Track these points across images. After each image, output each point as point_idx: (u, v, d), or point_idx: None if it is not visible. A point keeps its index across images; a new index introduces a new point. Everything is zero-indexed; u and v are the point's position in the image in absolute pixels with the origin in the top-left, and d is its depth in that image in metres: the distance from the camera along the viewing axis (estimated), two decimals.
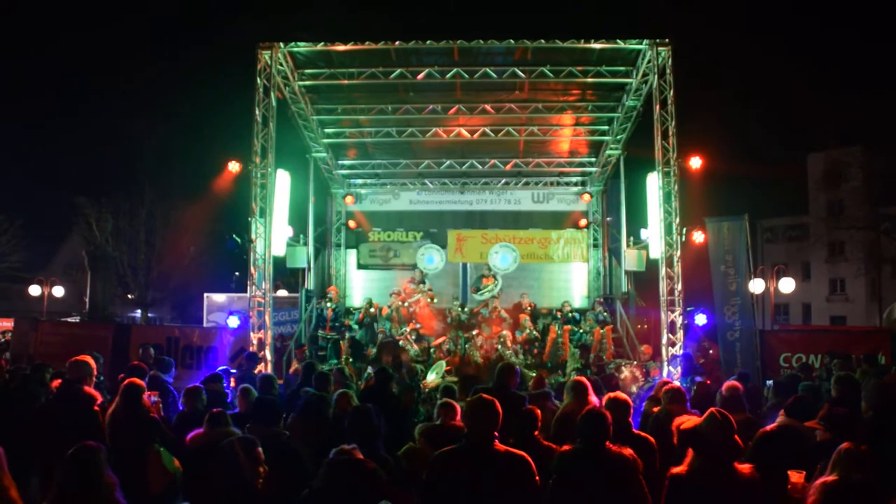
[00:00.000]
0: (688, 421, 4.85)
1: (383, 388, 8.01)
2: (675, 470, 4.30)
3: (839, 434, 4.55)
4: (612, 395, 5.91)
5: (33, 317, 19.54)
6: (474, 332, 15.93)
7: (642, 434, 5.42)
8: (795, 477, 4.54)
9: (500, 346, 15.26)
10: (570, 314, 17.12)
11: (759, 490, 4.26)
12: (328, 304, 16.86)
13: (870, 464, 4.00)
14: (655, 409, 6.51)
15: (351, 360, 15.14)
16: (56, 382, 7.72)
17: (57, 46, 52.45)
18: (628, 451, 4.44)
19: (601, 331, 16.14)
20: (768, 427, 5.42)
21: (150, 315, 40.45)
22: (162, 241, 38.46)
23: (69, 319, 28.33)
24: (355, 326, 16.68)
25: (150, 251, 38.37)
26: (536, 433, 5.49)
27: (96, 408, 6.45)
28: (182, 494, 5.57)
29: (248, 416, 6.33)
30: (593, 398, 6.40)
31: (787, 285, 24.39)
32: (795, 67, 58.65)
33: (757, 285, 20.57)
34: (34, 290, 27.86)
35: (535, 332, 16.22)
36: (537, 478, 4.30)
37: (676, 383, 7.37)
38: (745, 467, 4.25)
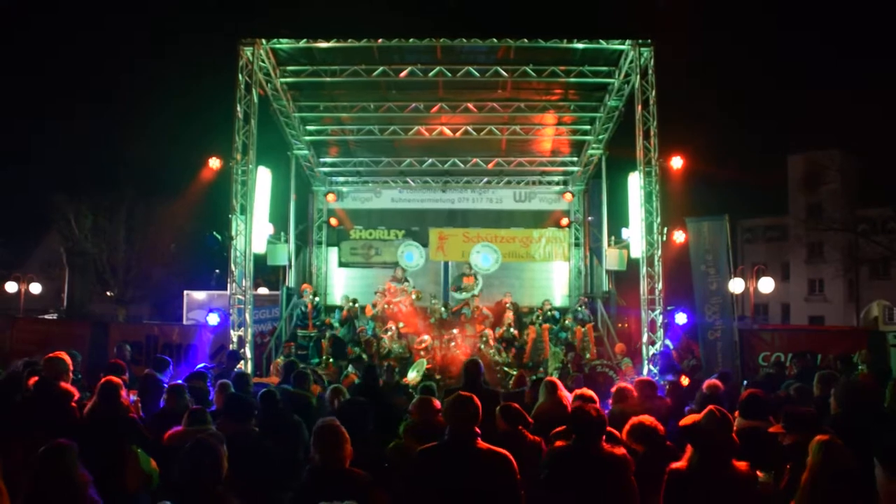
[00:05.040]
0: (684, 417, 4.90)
1: (371, 385, 8.03)
2: (675, 465, 4.35)
3: (804, 434, 4.56)
4: (579, 391, 5.96)
5: (9, 314, 19.34)
6: (454, 331, 15.84)
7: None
8: (763, 476, 4.57)
9: (482, 346, 15.14)
10: (549, 312, 17.13)
11: (756, 487, 4.32)
12: (307, 301, 16.70)
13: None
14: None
15: (332, 359, 15.05)
16: (33, 379, 7.60)
17: (36, 43, 51.89)
18: (621, 451, 4.46)
19: (582, 329, 16.17)
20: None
21: (130, 314, 40.17)
22: (142, 239, 38.21)
23: (46, 317, 28.05)
24: (336, 324, 16.54)
25: (129, 249, 38.12)
26: (521, 427, 5.51)
27: (73, 404, 6.37)
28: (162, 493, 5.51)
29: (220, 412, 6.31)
30: (565, 394, 6.46)
31: (766, 285, 24.62)
32: (778, 70, 59.20)
33: (737, 285, 20.72)
34: (11, 286, 27.56)
35: (511, 331, 16.15)
36: (518, 475, 4.30)
37: (628, 384, 7.36)
38: (742, 464, 4.29)
